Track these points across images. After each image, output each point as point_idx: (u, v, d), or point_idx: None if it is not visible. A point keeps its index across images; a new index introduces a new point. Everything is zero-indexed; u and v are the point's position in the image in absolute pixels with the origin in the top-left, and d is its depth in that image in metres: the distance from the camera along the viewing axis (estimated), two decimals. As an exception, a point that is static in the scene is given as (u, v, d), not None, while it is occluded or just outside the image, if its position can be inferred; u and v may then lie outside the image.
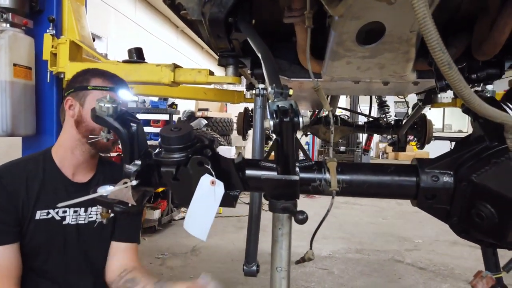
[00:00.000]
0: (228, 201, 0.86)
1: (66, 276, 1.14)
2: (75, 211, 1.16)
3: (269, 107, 0.79)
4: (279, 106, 0.77)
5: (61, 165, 1.16)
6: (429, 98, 2.29)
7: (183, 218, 4.58)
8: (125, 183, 0.85)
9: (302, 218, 0.81)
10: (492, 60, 1.24)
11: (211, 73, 1.71)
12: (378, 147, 11.94)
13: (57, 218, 1.13)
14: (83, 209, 1.17)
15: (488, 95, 1.43)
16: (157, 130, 4.21)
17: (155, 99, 4.23)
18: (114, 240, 1.24)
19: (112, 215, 1.17)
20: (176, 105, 4.55)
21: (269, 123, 0.76)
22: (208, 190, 0.81)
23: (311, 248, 0.84)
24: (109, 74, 1.21)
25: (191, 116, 6.15)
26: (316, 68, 1.35)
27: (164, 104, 4.24)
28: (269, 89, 0.86)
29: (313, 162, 0.86)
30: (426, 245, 3.88)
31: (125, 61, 1.71)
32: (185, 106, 6.35)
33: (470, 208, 0.75)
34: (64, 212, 1.14)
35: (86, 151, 1.17)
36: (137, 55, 1.73)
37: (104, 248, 1.22)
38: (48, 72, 1.80)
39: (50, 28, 1.77)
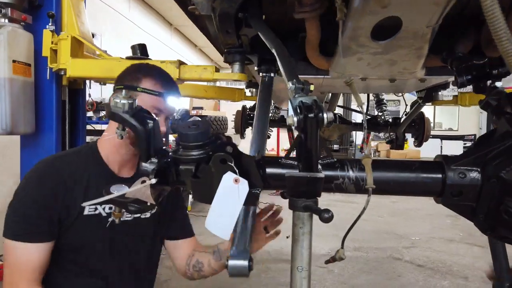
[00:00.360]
0: (251, 199, 0.83)
1: (108, 272, 1.13)
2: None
3: (292, 103, 0.78)
4: (303, 102, 0.75)
5: (107, 160, 1.14)
6: (430, 96, 2.29)
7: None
8: (143, 181, 0.83)
9: (328, 217, 0.79)
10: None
11: (217, 70, 1.69)
12: (369, 145, 12.03)
13: (104, 214, 1.11)
14: None
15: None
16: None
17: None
18: (172, 240, 1.29)
19: (127, 215, 1.17)
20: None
21: (293, 119, 0.74)
22: (231, 188, 0.78)
23: (342, 247, 0.82)
24: (162, 76, 1.16)
25: (186, 115, 6.10)
26: (324, 65, 1.34)
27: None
28: (290, 84, 0.84)
29: (335, 160, 0.85)
30: (423, 242, 3.91)
31: (128, 58, 1.68)
32: (179, 104, 6.34)
33: (498, 205, 0.75)
34: (110, 208, 1.12)
35: (131, 150, 1.14)
36: (141, 52, 1.70)
37: (144, 246, 1.21)
38: (48, 69, 1.76)
39: (50, 24, 1.73)
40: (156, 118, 0.93)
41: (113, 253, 1.13)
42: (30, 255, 1.02)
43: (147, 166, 0.84)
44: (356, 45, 1.09)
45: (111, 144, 1.15)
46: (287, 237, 3.18)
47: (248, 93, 2.59)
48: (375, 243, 3.82)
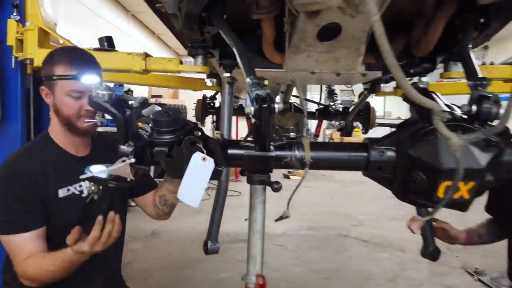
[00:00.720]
0: (216, 175, 1.01)
1: None
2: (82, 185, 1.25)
3: (249, 95, 0.96)
4: (258, 94, 0.93)
5: (62, 144, 1.24)
6: (373, 88, 2.54)
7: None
8: (124, 161, 0.98)
9: (277, 187, 0.99)
10: (427, 56, 1.47)
11: (181, 62, 1.82)
12: (324, 133, 12.54)
13: (76, 192, 1.22)
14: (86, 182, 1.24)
15: (422, 86, 1.67)
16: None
17: (111, 85, 4.19)
18: (141, 196, 1.41)
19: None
20: (132, 91, 4.53)
21: (250, 108, 0.92)
22: (200, 165, 0.95)
23: (287, 208, 1.01)
24: (73, 59, 1.19)
25: (144, 103, 6.07)
26: (279, 59, 1.50)
27: (120, 90, 4.22)
28: (248, 80, 1.02)
29: (285, 142, 1.04)
30: (369, 221, 4.28)
31: (96, 49, 1.76)
32: (140, 92, 6.29)
33: (408, 176, 0.96)
34: (80, 186, 1.23)
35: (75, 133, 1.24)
36: (108, 43, 1.79)
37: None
38: (13, 58, 1.80)
39: (15, 14, 1.77)
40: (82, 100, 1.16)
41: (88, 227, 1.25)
42: (26, 242, 1.12)
43: (125, 148, 0.99)
44: (304, 45, 1.26)
45: (58, 130, 1.24)
46: (245, 220, 3.42)
47: (209, 83, 2.72)
48: (326, 223, 4.14)
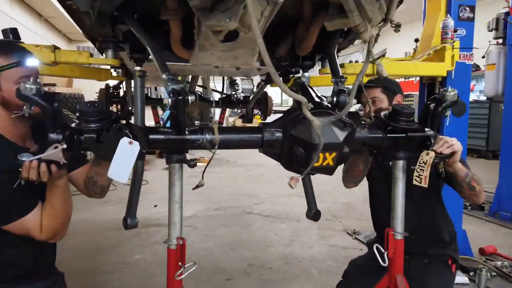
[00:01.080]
0: (140, 156, 1.20)
1: None
2: None
3: (166, 89, 1.18)
4: (174, 88, 1.16)
5: (8, 136, 1.29)
6: (269, 79, 2.89)
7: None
8: (56, 147, 1.12)
9: (193, 164, 1.23)
10: (308, 55, 1.81)
11: (91, 55, 1.91)
12: (228, 121, 12.95)
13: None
14: None
15: (302, 81, 2.00)
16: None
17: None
18: (69, 172, 1.42)
19: None
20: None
21: (168, 100, 1.15)
22: (127, 148, 1.14)
23: (202, 178, 1.24)
24: (9, 47, 1.26)
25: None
26: (185, 55, 1.70)
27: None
28: (164, 76, 1.23)
29: (197, 127, 1.27)
30: (269, 199, 4.75)
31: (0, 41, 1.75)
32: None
33: (291, 150, 1.27)
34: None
35: (27, 124, 1.31)
36: (13, 35, 1.79)
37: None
38: None
39: None
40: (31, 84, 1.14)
41: None
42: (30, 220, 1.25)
43: (54, 136, 1.14)
44: (209, 45, 1.49)
45: (4, 124, 1.28)
46: (155, 206, 3.70)
47: (114, 74, 2.78)
48: (232, 203, 4.49)
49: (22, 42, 1.84)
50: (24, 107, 1.30)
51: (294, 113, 1.31)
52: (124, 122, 1.19)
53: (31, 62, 1.30)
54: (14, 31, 1.82)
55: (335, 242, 3.29)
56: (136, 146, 1.15)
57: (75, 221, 3.82)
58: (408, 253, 1.51)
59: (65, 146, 1.12)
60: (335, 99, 1.36)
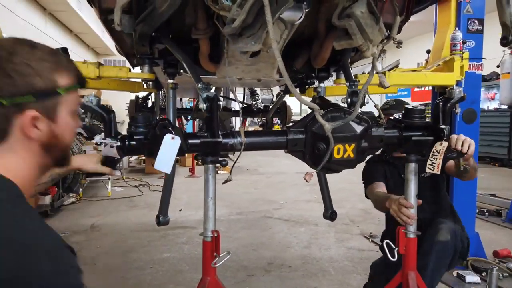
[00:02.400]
0: (180, 152, 1.38)
1: None
2: None
3: (201, 96, 1.39)
4: (208, 95, 1.37)
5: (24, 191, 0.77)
6: (288, 89, 3.08)
7: (73, 202, 4.72)
8: (112, 146, 1.35)
9: (225, 163, 1.43)
10: (323, 67, 1.98)
11: (130, 70, 2.16)
12: (248, 130, 13.30)
13: None
14: None
15: (319, 91, 2.18)
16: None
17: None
18: None
19: None
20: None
21: (203, 105, 1.36)
22: (170, 142, 1.32)
23: (231, 174, 1.43)
24: (68, 61, 0.84)
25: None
26: (212, 69, 1.90)
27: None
28: (198, 85, 1.44)
29: (228, 131, 1.47)
30: (289, 204, 4.91)
31: (53, 58, 2.01)
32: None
33: (313, 146, 1.38)
34: None
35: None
36: (63, 53, 2.05)
37: None
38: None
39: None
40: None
41: None
42: None
43: (109, 140, 1.35)
44: (234, 60, 1.70)
45: (28, 179, 0.76)
46: (180, 210, 3.97)
47: (145, 86, 3.04)
48: (252, 208, 4.67)
49: (72, 60, 2.09)
50: (86, 116, 1.54)
51: (313, 114, 1.46)
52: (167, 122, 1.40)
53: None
54: (64, 50, 2.07)
55: (352, 245, 3.42)
56: (177, 141, 1.32)
57: (105, 223, 4.14)
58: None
59: (119, 143, 1.34)
60: (349, 100, 1.54)
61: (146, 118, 1.41)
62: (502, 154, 8.15)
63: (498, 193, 4.80)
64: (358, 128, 1.41)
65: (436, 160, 1.42)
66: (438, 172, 1.43)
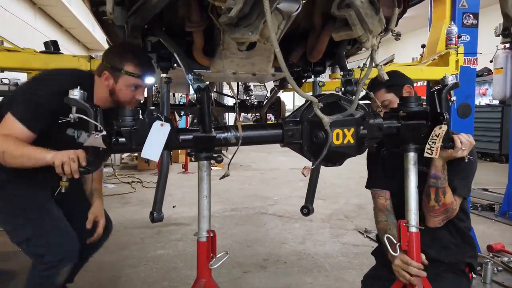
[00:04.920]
0: (170, 145, 1.32)
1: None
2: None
3: (192, 86, 1.34)
4: (199, 85, 1.32)
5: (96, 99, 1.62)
6: (282, 85, 3.06)
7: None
8: (97, 136, 1.29)
9: (220, 159, 1.38)
10: (319, 61, 1.95)
11: (122, 64, 2.11)
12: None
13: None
14: None
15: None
16: None
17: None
18: None
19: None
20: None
21: (193, 96, 1.31)
22: (159, 129, 1.24)
23: (228, 169, 1.39)
24: (141, 60, 1.59)
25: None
26: (206, 62, 1.84)
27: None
28: (189, 76, 1.39)
29: (222, 125, 1.43)
30: (283, 200, 4.90)
31: (42, 52, 1.97)
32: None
33: (311, 135, 1.31)
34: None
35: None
36: (53, 47, 2.01)
37: None
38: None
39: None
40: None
41: None
42: (22, 136, 1.44)
43: (97, 133, 1.30)
44: (229, 53, 1.66)
45: (99, 97, 1.61)
46: (173, 207, 3.94)
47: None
48: (247, 204, 4.65)
49: (61, 53, 2.05)
50: (71, 112, 1.48)
51: (307, 104, 1.41)
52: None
53: (149, 80, 1.65)
54: (54, 43, 2.03)
55: (347, 240, 3.42)
56: (167, 127, 1.21)
57: (99, 220, 4.06)
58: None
59: (104, 133, 1.27)
60: (343, 88, 1.51)
61: (134, 111, 1.35)
62: (493, 149, 8.24)
63: (491, 188, 4.83)
64: (357, 114, 1.34)
65: (435, 144, 1.38)
66: (437, 157, 1.39)
